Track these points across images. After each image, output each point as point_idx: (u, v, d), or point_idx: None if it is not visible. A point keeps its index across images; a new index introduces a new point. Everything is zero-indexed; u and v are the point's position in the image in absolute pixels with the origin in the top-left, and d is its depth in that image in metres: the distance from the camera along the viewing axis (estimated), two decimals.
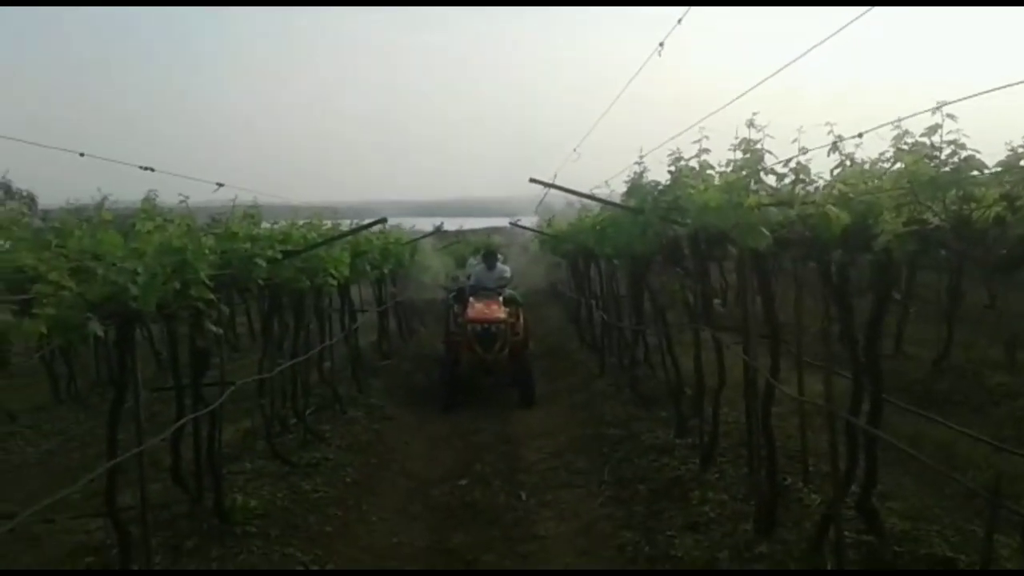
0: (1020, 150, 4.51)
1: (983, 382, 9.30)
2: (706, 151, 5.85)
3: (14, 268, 3.93)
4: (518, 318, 11.73)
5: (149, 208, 5.95)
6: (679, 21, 6.41)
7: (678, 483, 6.45)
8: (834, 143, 4.73)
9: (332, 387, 10.13)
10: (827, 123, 4.68)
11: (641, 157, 6.93)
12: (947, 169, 3.45)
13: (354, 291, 12.34)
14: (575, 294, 16.39)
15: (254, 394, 7.54)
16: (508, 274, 13.57)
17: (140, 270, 3.84)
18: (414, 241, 18.44)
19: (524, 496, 6.97)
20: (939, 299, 11.20)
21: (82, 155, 5.02)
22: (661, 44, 6.90)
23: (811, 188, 4.87)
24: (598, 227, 9.52)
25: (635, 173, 7.10)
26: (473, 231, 36.06)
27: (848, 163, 4.77)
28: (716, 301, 8.04)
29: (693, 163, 5.97)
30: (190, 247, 4.36)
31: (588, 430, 8.89)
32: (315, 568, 5.41)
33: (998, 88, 3.33)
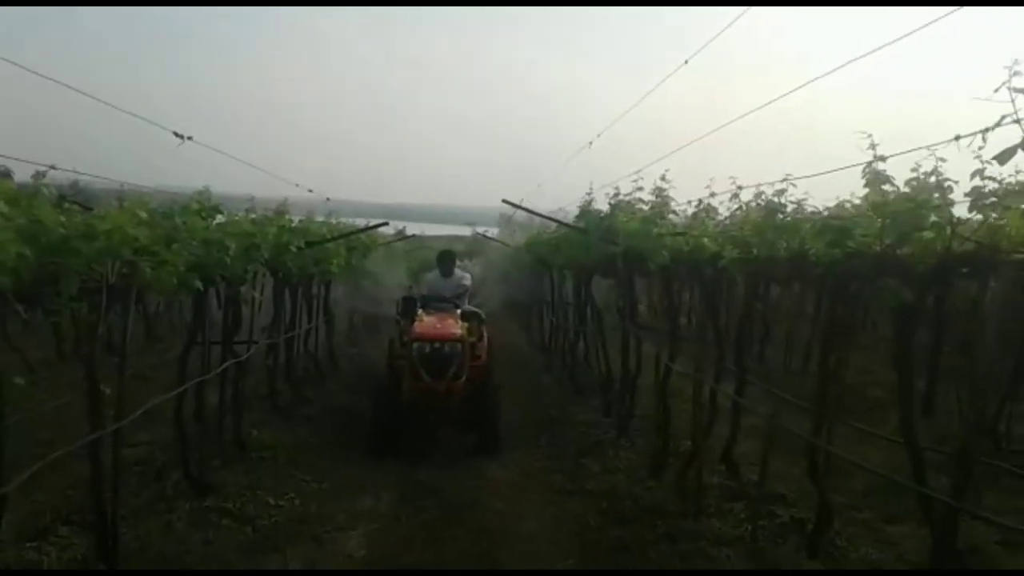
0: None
1: (865, 394, 11.26)
2: (639, 188, 7.73)
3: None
4: (480, 337, 9.31)
5: (204, 198, 7.56)
6: (686, 62, 7.88)
7: (599, 446, 8.28)
8: (735, 193, 6.63)
9: (315, 361, 11.87)
10: (731, 177, 6.56)
11: (590, 191, 8.79)
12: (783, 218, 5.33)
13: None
14: (528, 300, 18.21)
15: (262, 357, 9.18)
16: (468, 282, 11.05)
17: (232, 246, 5.51)
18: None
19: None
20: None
21: (190, 138, 6.55)
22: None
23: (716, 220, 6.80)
24: (553, 242, 11.35)
25: (585, 201, 8.97)
26: (437, 237, 37.20)
27: (742, 208, 6.68)
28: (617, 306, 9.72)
29: (630, 199, 7.84)
30: (258, 234, 6.04)
31: (533, 414, 10.63)
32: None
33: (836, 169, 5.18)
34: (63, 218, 3.92)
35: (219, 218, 6.65)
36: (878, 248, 3.63)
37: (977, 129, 2.94)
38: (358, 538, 5.95)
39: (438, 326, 8.61)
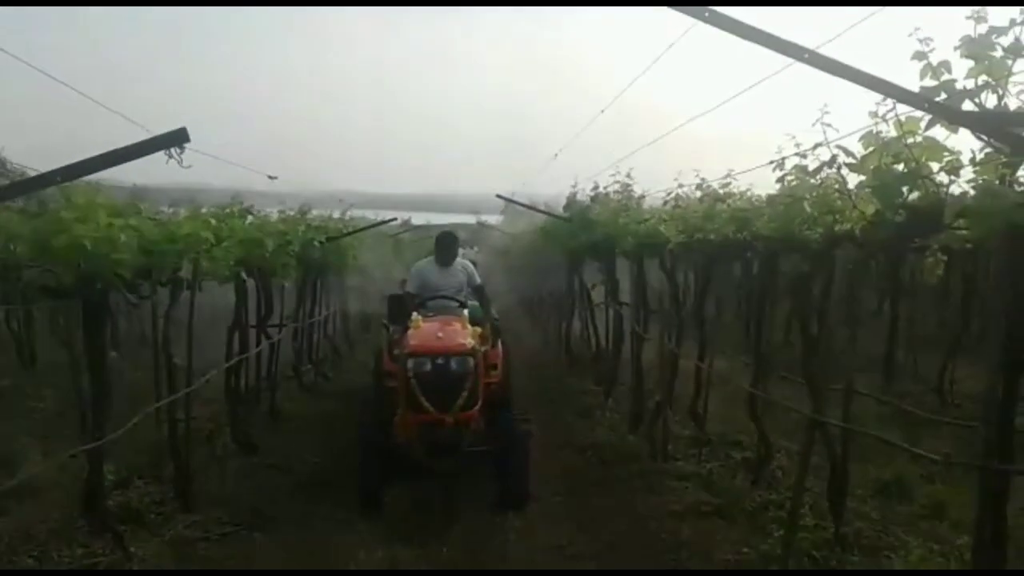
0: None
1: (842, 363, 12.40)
2: (616, 181, 8.90)
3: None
4: (495, 344, 7.31)
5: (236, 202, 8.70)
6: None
7: (588, 408, 9.50)
8: (698, 184, 7.77)
9: (333, 344, 13.12)
10: (695, 170, 7.63)
11: (574, 184, 9.96)
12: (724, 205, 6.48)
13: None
14: (529, 285, 19.40)
15: (288, 340, 10.38)
16: (477, 278, 8.05)
17: (270, 242, 6.69)
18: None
19: None
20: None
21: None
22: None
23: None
24: (546, 229, 12.54)
25: (571, 193, 10.15)
26: (440, 226, 38.01)
27: (705, 199, 7.81)
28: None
29: (609, 190, 9.00)
30: (289, 232, 7.22)
31: (532, 384, 11.82)
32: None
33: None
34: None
35: (249, 218, 7.84)
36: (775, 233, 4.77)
37: None
38: None
39: (440, 335, 6.46)
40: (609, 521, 6.04)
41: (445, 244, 8.01)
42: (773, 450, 6.64)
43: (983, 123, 2.45)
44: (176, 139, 2.28)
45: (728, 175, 6.72)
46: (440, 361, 6.21)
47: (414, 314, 6.93)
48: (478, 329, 6.86)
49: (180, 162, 2.35)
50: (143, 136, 2.60)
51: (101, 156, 2.34)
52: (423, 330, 6.59)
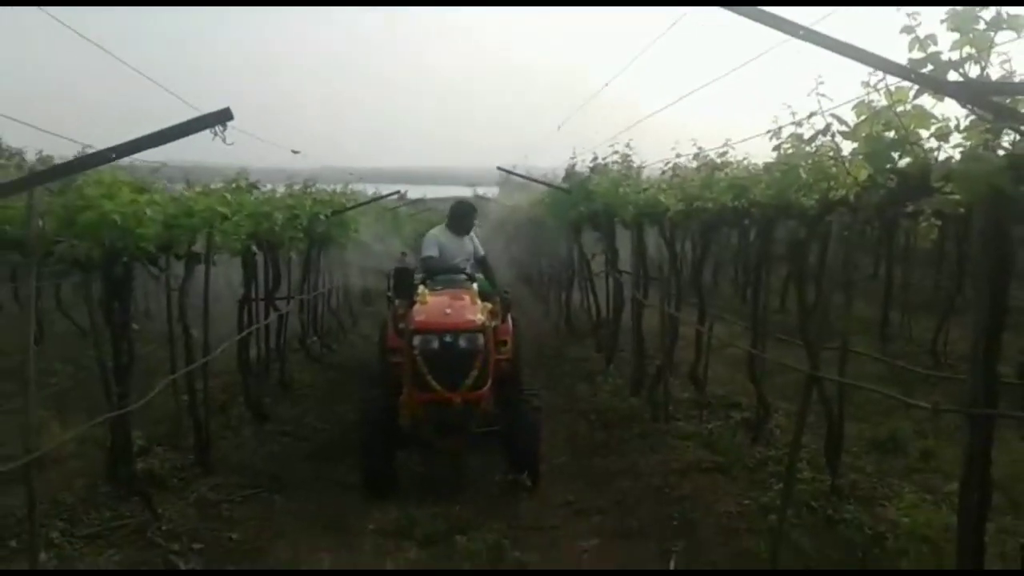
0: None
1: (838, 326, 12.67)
2: (615, 152, 9.07)
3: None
4: (505, 319, 7.04)
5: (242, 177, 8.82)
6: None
7: (590, 374, 9.73)
8: (696, 153, 7.92)
9: (337, 318, 13.33)
10: (692, 139, 7.79)
11: (573, 156, 10.12)
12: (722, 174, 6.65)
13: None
14: (528, 255, 19.60)
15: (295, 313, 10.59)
16: (481, 250, 8.23)
17: (280, 216, 6.86)
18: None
19: None
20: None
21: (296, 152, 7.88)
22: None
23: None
24: (545, 201, 12.69)
25: (570, 165, 10.31)
26: (437, 200, 37.86)
27: (703, 168, 7.98)
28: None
29: (608, 161, 9.17)
30: (297, 206, 7.39)
31: (534, 354, 12.05)
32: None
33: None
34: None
35: (255, 193, 7.99)
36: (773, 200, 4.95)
37: None
38: None
39: (449, 311, 6.18)
40: (614, 479, 6.28)
41: (462, 213, 7.90)
42: (771, 410, 6.87)
43: (966, 92, 2.62)
44: (221, 118, 2.43)
45: (726, 144, 6.88)
46: (448, 338, 5.92)
47: (421, 287, 6.65)
48: (487, 304, 6.59)
49: (224, 139, 2.52)
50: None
51: (151, 136, 2.50)
52: (430, 305, 6.28)
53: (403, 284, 6.85)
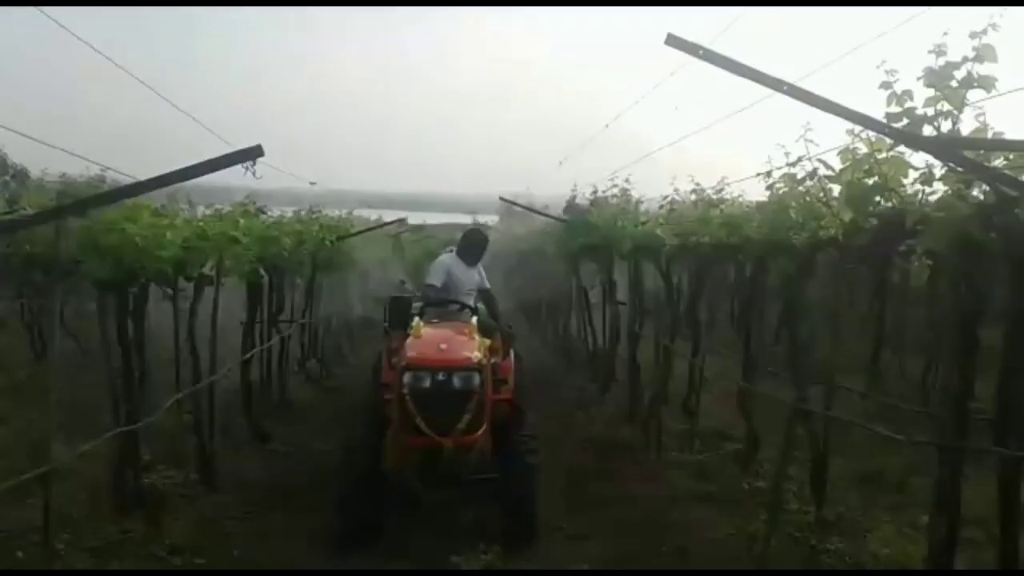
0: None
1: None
2: (615, 186, 9.30)
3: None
4: (507, 357, 6.62)
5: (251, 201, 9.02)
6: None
7: (584, 402, 9.91)
8: (694, 189, 8.14)
9: (336, 342, 13.53)
10: (690, 176, 7.99)
11: (574, 188, 10.38)
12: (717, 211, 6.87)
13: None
14: (527, 285, 19.81)
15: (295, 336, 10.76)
16: (486, 282, 7.68)
17: (288, 241, 7.06)
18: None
19: None
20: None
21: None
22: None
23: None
24: (545, 231, 12.94)
25: (570, 197, 10.57)
26: (437, 226, 37.89)
27: (699, 204, 8.20)
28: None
29: (607, 194, 9.40)
30: (304, 231, 7.60)
31: (531, 382, 12.19)
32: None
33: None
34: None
35: (263, 217, 8.21)
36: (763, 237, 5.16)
37: None
38: None
39: (444, 346, 5.74)
40: (606, 506, 6.43)
41: (474, 241, 7.50)
42: (761, 442, 7.02)
43: (938, 146, 2.84)
44: (251, 154, 2.62)
45: (721, 181, 7.10)
46: (441, 377, 5.45)
47: (416, 319, 6.18)
48: (487, 340, 6.16)
49: (254, 174, 2.70)
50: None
51: (183, 170, 2.70)
52: (424, 339, 5.81)
53: (399, 314, 6.37)
